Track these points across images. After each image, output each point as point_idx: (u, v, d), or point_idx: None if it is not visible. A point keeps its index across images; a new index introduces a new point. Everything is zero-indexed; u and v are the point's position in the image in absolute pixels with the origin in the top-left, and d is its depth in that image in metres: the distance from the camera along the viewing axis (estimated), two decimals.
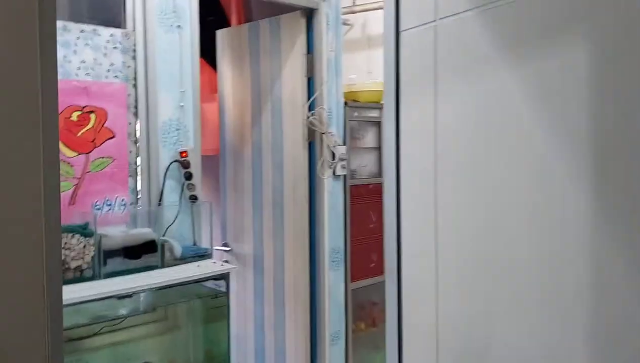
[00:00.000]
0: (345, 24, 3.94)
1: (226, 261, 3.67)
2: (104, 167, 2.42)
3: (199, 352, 2.55)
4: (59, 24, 2.25)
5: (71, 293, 1.95)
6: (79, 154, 2.34)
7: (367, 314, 3.49)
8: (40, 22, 0.58)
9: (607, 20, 0.99)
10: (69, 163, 2.31)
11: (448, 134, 1.39)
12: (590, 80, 1.02)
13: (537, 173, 1.13)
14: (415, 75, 1.50)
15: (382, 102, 3.56)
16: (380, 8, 4.09)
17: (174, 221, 2.55)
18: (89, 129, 2.36)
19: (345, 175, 3.23)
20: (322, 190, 3.14)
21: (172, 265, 2.31)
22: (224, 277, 2.28)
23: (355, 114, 3.31)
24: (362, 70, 4.14)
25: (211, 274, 2.23)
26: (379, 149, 3.44)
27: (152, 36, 2.48)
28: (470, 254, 1.31)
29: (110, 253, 2.14)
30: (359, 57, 4.83)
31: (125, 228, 2.48)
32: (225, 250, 3.67)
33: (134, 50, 2.47)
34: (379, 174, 3.44)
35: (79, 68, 2.32)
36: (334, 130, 3.17)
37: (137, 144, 2.51)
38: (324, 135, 3.11)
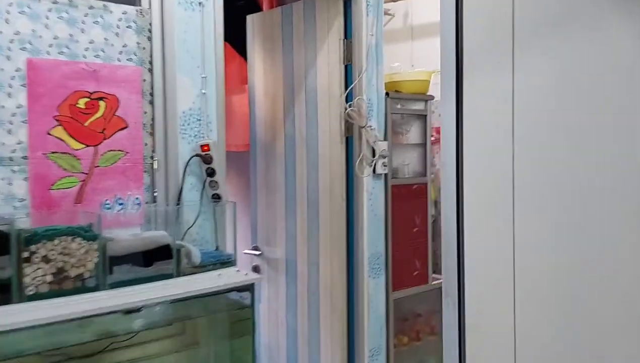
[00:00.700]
0: (386, 13, 3.60)
1: (256, 266, 3.38)
2: (116, 161, 2.15)
3: None
4: None
5: (71, 305, 1.68)
6: (87, 146, 2.07)
7: (410, 327, 3.13)
8: None
9: None
10: (75, 156, 2.05)
11: (531, 115, 1.04)
12: None
13: None
14: (484, 44, 1.15)
15: (427, 93, 3.22)
16: None
17: (193, 223, 2.27)
18: (98, 117, 2.10)
19: (386, 174, 2.89)
20: (361, 190, 2.81)
21: (189, 274, 2.01)
22: (249, 288, 1.97)
23: (398, 106, 2.96)
24: (404, 62, 3.79)
25: (233, 285, 1.92)
26: (424, 145, 3.08)
27: (170, 14, 2.20)
28: (565, 264, 0.95)
29: (117, 260, 1.86)
30: (401, 48, 4.47)
31: (139, 230, 2.20)
32: (255, 254, 3.38)
33: (150, 30, 2.20)
34: (424, 172, 3.08)
35: (87, 49, 2.06)
36: (374, 124, 2.83)
37: (153, 136, 2.23)
38: (363, 130, 2.78)
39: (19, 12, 1.91)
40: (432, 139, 3.08)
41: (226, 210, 2.34)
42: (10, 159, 1.91)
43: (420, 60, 4.19)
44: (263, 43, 3.26)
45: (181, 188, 2.26)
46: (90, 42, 2.06)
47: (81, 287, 1.78)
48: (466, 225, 1.15)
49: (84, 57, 2.05)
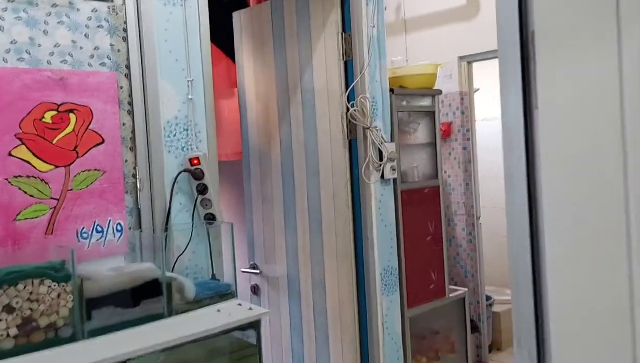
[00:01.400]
0: None
1: (255, 286, 3.09)
2: (92, 182, 1.85)
3: None
4: None
5: (42, 361, 1.39)
6: (57, 167, 1.78)
7: (428, 346, 2.87)
8: None
9: None
10: (42, 179, 1.75)
11: None
12: None
13: None
14: (568, 15, 0.88)
15: (434, 87, 2.96)
16: None
17: (185, 249, 1.98)
18: (69, 133, 1.80)
19: (395, 179, 2.62)
20: (369, 197, 2.54)
21: (183, 311, 1.73)
22: (254, 325, 1.69)
23: (404, 103, 2.70)
24: (399, 57, 3.54)
25: (236, 324, 1.64)
26: (433, 144, 2.81)
27: (147, 10, 1.91)
28: None
29: (96, 302, 1.56)
30: (395, 42, 4.22)
31: (123, 261, 1.91)
32: (253, 273, 3.10)
33: (125, 30, 1.90)
34: (435, 174, 2.82)
35: (51, 54, 1.76)
36: (379, 124, 2.56)
37: (134, 151, 1.94)
38: (368, 131, 2.51)
39: None
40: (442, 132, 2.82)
41: (222, 232, 2.06)
42: None
43: (415, 54, 3.94)
44: (252, 41, 2.98)
45: (169, 209, 1.97)
46: (55, 46, 1.76)
47: (54, 339, 1.48)
48: (548, 261, 0.88)
49: (49, 63, 1.75)
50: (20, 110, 1.70)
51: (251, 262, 3.11)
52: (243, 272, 3.12)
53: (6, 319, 1.40)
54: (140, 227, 1.95)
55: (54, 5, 1.75)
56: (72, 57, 1.80)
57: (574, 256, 0.85)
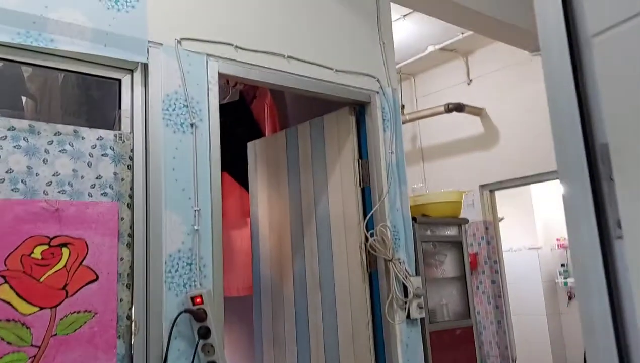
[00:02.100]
0: None
1: None
2: (80, 326, 1.63)
3: None
4: (22, 123, 1.61)
5: None
6: (41, 309, 1.57)
7: None
8: None
9: None
10: (23, 323, 1.53)
11: None
12: None
13: None
14: None
15: (459, 216, 2.79)
16: (437, 114, 3.46)
17: None
18: (59, 269, 1.62)
19: (422, 319, 2.35)
20: (393, 340, 2.25)
21: None
22: None
23: (428, 232, 2.51)
24: (420, 184, 3.43)
25: None
26: (463, 278, 2.57)
27: (155, 138, 1.82)
28: None
29: None
30: (413, 171, 4.15)
31: None
32: None
33: (131, 158, 1.80)
34: (467, 313, 2.54)
35: (49, 183, 1.64)
36: (402, 256, 2.35)
37: (131, 289, 1.74)
38: (390, 263, 2.30)
39: None
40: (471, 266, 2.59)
41: None
42: None
43: (434, 183, 3.84)
44: (267, 170, 2.89)
45: (165, 357, 1.71)
46: (54, 175, 1.65)
47: None
48: None
49: (45, 193, 1.63)
50: (7, 245, 1.54)
51: None
52: None
53: None
54: None
55: (57, 133, 1.67)
56: (71, 186, 1.67)
57: None
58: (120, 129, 1.81)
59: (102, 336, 1.67)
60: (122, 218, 1.76)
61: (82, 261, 1.66)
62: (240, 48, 2.08)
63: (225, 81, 2.58)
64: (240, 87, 3.09)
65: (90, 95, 1.87)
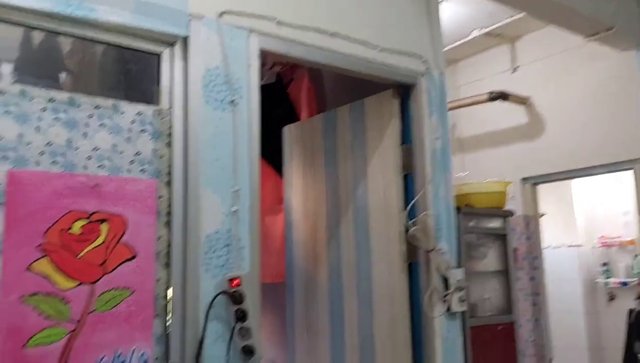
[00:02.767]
0: None
1: None
2: (118, 304, 1.60)
3: None
4: (62, 95, 1.58)
5: None
6: (80, 284, 1.54)
7: None
8: None
9: None
10: (63, 298, 1.50)
11: None
12: None
13: None
14: None
15: (505, 207, 2.68)
16: (479, 103, 3.32)
17: None
18: (98, 246, 1.59)
19: (463, 313, 2.26)
20: (432, 334, 2.17)
21: None
22: None
23: (471, 223, 2.42)
24: (467, 172, 3.32)
25: None
26: (505, 272, 2.47)
27: (195, 115, 1.77)
28: None
29: None
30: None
31: None
32: None
33: (170, 135, 1.75)
34: (509, 308, 2.44)
35: (89, 158, 1.60)
36: (444, 246, 2.26)
37: (169, 268, 1.70)
38: (431, 254, 2.21)
39: (4, 112, 1.48)
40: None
41: None
42: None
43: (474, 176, 3.72)
44: (302, 156, 2.83)
45: (202, 338, 1.67)
46: (93, 149, 1.61)
47: None
48: None
49: (85, 168, 1.59)
50: (46, 219, 1.51)
51: None
52: None
53: None
54: (168, 360, 1.65)
55: (97, 107, 1.63)
56: (110, 161, 1.63)
57: None
58: (159, 105, 1.77)
59: (139, 315, 1.63)
60: (161, 196, 1.72)
61: (121, 238, 1.63)
62: (283, 23, 2.01)
63: (263, 62, 2.52)
64: (277, 68, 3.03)
65: (129, 70, 1.83)
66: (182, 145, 1.76)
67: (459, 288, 2.20)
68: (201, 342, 1.67)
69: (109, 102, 1.65)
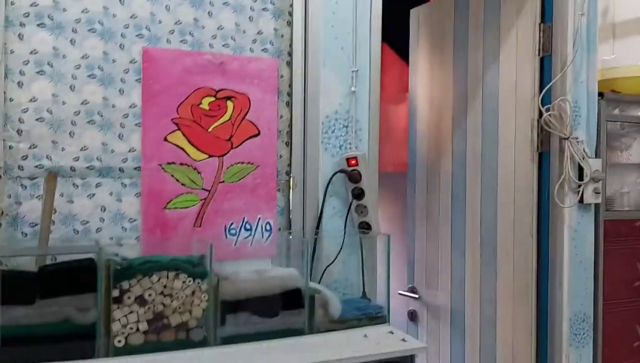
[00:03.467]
0: None
1: (413, 312, 2.77)
2: (244, 176, 1.71)
3: None
4: None
5: None
6: (210, 157, 1.67)
7: None
8: None
9: None
10: (195, 168, 1.65)
11: None
12: None
13: None
14: None
15: None
16: None
17: (334, 259, 1.74)
18: (225, 121, 1.69)
19: (598, 205, 2.11)
20: (560, 225, 2.06)
21: (325, 330, 1.48)
22: (407, 361, 1.37)
23: (616, 111, 2.18)
24: (613, 55, 2.94)
25: (386, 356, 1.34)
26: None
27: None
28: None
29: (231, 306, 1.39)
30: (601, 49, 3.60)
31: (269, 265, 1.74)
32: (412, 297, 2.77)
33: (290, 13, 1.75)
34: None
35: (214, 36, 1.66)
36: (581, 135, 2.08)
37: (290, 146, 1.77)
38: (566, 142, 2.05)
39: None
40: None
41: (377, 244, 1.78)
42: (121, 169, 1.56)
43: (622, 60, 3.29)
44: (429, 40, 2.69)
45: (321, 213, 1.75)
46: (218, 28, 1.67)
47: (184, 341, 1.33)
48: None
49: (211, 46, 1.66)
50: (179, 94, 1.62)
51: (410, 285, 2.79)
52: (400, 294, 2.82)
53: (138, 312, 1.28)
54: (289, 230, 1.77)
55: None
56: (234, 41, 1.68)
57: None
58: None
59: (264, 188, 1.74)
60: (282, 76, 1.76)
61: (245, 115, 1.71)
62: None
63: None
64: None
65: None
66: (302, 24, 1.75)
67: (595, 180, 2.04)
68: (320, 216, 1.76)
69: None
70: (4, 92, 1.41)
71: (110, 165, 1.54)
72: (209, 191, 1.67)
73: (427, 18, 2.70)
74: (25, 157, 1.44)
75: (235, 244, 1.70)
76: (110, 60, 1.53)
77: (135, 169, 1.57)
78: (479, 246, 2.37)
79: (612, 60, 2.29)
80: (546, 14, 2.11)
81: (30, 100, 1.44)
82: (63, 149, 1.48)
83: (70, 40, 1.49)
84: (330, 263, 1.73)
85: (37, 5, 1.45)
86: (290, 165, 1.77)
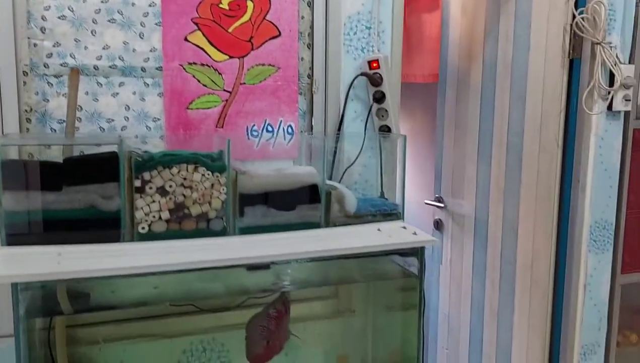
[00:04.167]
0: None
1: (438, 221, 2.82)
2: (265, 78, 1.74)
3: (378, 348, 1.79)
4: None
5: (195, 252, 1.33)
6: (230, 58, 1.69)
7: None
8: None
9: None
10: (216, 69, 1.67)
11: None
12: None
13: None
14: None
15: None
16: None
17: (354, 161, 1.78)
18: (245, 22, 1.69)
19: (627, 113, 2.05)
20: (587, 132, 2.03)
21: (341, 224, 1.55)
22: (416, 252, 1.43)
23: None
24: None
25: (396, 246, 1.40)
26: None
27: None
28: None
29: (249, 199, 1.46)
30: None
31: (291, 165, 1.79)
32: (438, 206, 2.82)
33: None
34: None
35: None
36: (615, 40, 1.99)
37: (311, 48, 1.76)
38: (598, 47, 1.97)
39: None
40: None
41: (397, 147, 1.80)
42: (143, 69, 1.60)
43: None
44: None
45: (342, 116, 1.77)
46: None
47: (205, 230, 1.42)
48: None
49: None
50: None
51: (437, 195, 2.83)
52: (427, 204, 2.87)
53: (159, 201, 1.37)
54: (311, 131, 1.80)
55: None
56: None
57: None
58: None
59: (285, 90, 1.76)
60: None
61: (266, 16, 1.70)
62: None
63: None
64: None
65: None
66: None
67: (626, 86, 1.97)
68: (341, 119, 1.78)
69: None
70: None
71: (132, 64, 1.58)
72: (230, 92, 1.70)
73: None
74: (49, 55, 1.49)
75: (257, 145, 1.76)
76: None
77: (157, 68, 1.61)
78: (505, 153, 2.36)
79: None
80: None
81: None
82: (86, 48, 1.52)
83: None
84: (350, 165, 1.77)
85: None
86: (312, 68, 1.78)
